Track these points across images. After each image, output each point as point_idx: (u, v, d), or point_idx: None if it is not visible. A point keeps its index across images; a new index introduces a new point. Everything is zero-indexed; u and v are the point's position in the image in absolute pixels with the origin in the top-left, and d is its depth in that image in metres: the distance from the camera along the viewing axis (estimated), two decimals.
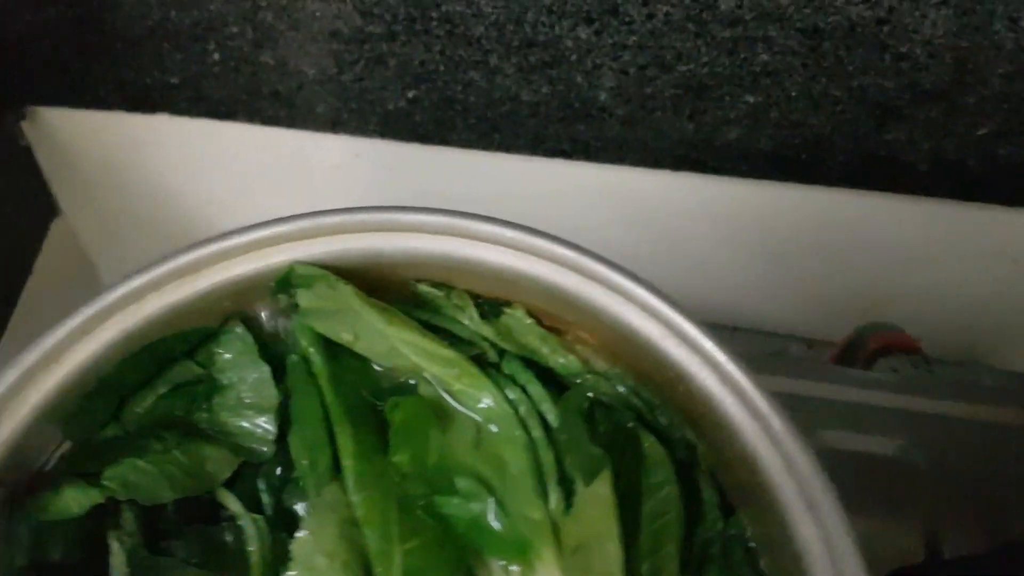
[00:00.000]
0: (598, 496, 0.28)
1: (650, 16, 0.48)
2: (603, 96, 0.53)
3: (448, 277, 0.32)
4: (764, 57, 0.50)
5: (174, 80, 0.56)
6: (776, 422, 0.27)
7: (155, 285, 0.29)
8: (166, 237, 0.71)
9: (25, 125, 0.62)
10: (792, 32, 0.48)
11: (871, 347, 0.55)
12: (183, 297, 0.30)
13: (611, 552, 0.27)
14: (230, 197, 0.66)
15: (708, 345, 0.28)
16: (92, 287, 0.73)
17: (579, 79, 0.52)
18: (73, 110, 0.61)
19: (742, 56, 0.50)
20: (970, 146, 0.52)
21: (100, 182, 0.67)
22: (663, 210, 0.59)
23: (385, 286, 0.32)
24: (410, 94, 0.55)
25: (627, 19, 0.49)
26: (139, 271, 0.29)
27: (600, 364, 0.33)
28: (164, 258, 0.29)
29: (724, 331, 0.63)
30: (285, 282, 0.31)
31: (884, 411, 0.50)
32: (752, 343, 0.62)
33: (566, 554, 0.28)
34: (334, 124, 0.58)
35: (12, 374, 0.27)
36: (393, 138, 0.58)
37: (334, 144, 0.60)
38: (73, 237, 0.70)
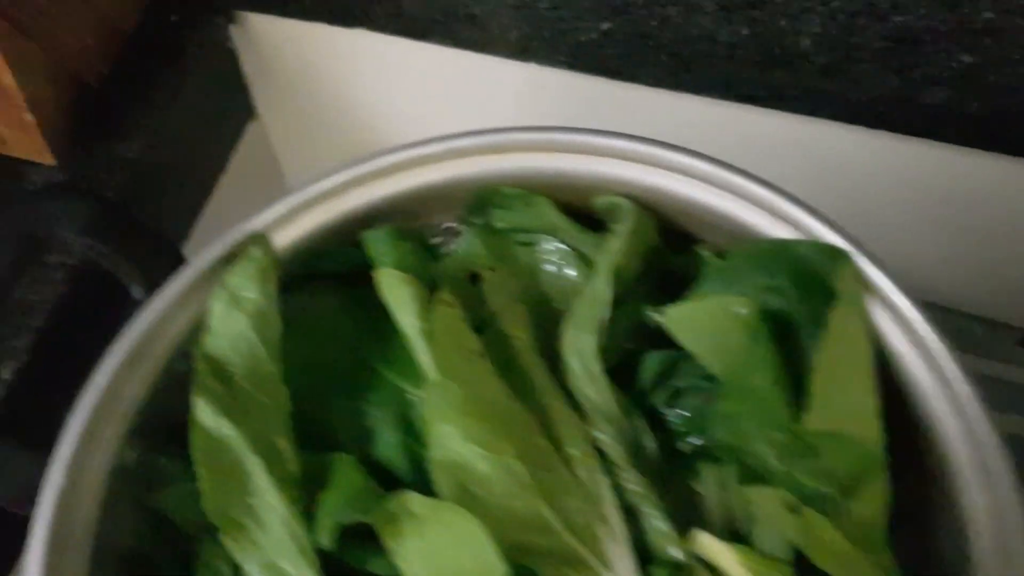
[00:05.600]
0: None
1: None
2: (806, 42, 0.51)
3: None
4: (988, 15, 0.46)
5: None
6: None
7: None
8: (351, 146, 0.73)
9: (233, 28, 0.65)
10: None
11: None
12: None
13: None
14: (417, 113, 0.67)
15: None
16: (277, 187, 0.77)
17: (782, 23, 0.50)
18: (278, 17, 0.63)
19: (964, 11, 0.46)
20: None
21: (296, 89, 0.69)
22: (854, 169, 0.56)
23: None
24: (604, 26, 0.54)
25: None
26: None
27: None
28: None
29: None
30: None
31: None
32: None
33: None
34: (524, 51, 0.58)
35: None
36: (582, 70, 0.57)
37: (521, 72, 0.60)
38: (265, 139, 0.73)
